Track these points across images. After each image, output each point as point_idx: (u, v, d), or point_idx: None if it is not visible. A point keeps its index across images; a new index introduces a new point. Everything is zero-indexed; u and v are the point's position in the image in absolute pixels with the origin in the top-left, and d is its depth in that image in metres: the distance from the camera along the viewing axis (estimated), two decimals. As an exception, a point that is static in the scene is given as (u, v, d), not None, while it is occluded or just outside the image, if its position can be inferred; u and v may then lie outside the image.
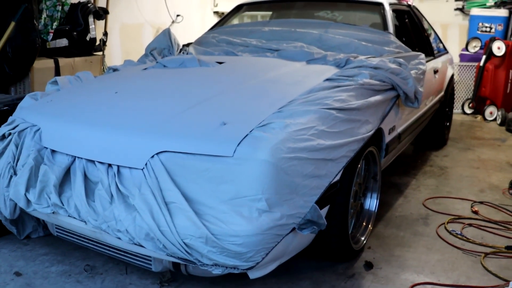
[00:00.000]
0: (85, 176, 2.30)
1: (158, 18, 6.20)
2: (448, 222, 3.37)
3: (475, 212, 3.56)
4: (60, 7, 4.40)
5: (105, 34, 5.19)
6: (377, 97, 2.81)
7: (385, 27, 3.86)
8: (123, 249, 2.30)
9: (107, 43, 5.22)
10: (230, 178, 2.01)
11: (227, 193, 2.00)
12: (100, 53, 5.01)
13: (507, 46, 6.68)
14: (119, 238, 2.12)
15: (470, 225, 3.36)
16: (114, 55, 5.60)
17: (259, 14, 6.14)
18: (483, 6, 7.70)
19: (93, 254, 2.80)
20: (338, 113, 2.40)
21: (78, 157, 2.35)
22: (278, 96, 2.50)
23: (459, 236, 3.17)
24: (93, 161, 2.31)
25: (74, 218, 2.26)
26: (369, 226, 3.03)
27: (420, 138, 5.16)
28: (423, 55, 3.67)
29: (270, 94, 2.60)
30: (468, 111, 7.20)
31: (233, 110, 2.37)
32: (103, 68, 4.99)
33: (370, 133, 2.66)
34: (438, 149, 5.32)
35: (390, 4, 4.13)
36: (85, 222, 2.22)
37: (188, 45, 4.13)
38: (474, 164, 4.80)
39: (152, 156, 2.14)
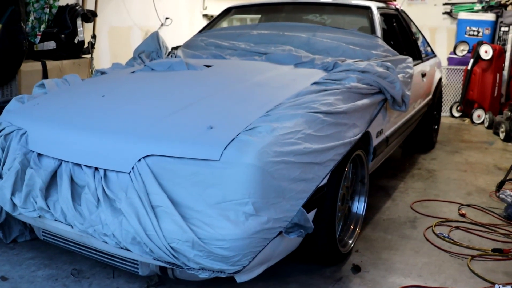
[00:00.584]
0: (72, 180, 2.29)
1: (147, 21, 6.19)
2: (435, 225, 3.39)
3: (462, 215, 3.58)
4: (48, 9, 4.37)
5: (94, 36, 5.17)
6: (365, 101, 2.82)
7: (372, 30, 3.88)
8: (109, 253, 2.29)
9: (95, 46, 5.21)
10: (216, 182, 2.01)
11: (213, 197, 2.00)
12: (89, 56, 5.00)
13: (494, 50, 6.74)
14: (106, 242, 2.12)
15: (457, 228, 3.38)
16: (102, 58, 5.58)
17: (249, 17, 6.15)
18: (470, 10, 7.76)
19: (80, 258, 2.79)
20: (325, 116, 2.41)
21: (65, 161, 2.34)
22: (265, 100, 2.51)
23: (446, 239, 3.19)
24: (79, 165, 2.30)
25: (61, 222, 2.25)
26: (357, 229, 3.04)
27: (409, 141, 5.19)
28: (410, 59, 3.69)
29: (258, 97, 2.60)
30: (456, 114, 7.25)
31: (220, 114, 2.37)
32: (92, 71, 4.97)
33: (357, 137, 2.67)
34: (426, 152, 5.35)
35: (378, 8, 4.15)
36: (71, 226, 2.21)
37: (176, 48, 4.13)
38: (462, 167, 4.83)
39: (139, 160, 2.14)
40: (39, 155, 2.43)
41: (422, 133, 5.16)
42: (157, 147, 2.15)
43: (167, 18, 6.45)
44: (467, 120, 7.04)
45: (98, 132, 2.35)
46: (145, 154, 2.14)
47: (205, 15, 7.23)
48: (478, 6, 7.68)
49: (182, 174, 2.06)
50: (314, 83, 2.80)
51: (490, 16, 7.42)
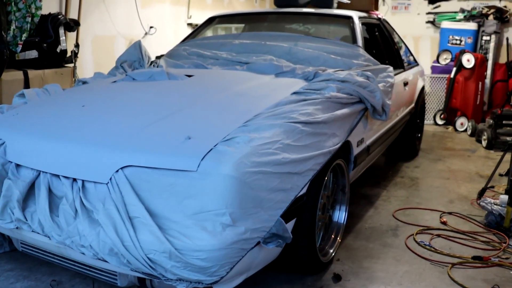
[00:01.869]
0: (50, 191, 2.27)
1: (131, 30, 6.18)
2: (417, 233, 3.41)
3: (444, 223, 3.61)
4: (30, 18, 4.34)
5: (77, 45, 5.14)
6: (344, 110, 2.83)
7: (354, 40, 3.90)
8: (88, 264, 2.28)
9: (79, 55, 5.19)
10: (194, 192, 2.01)
11: (191, 207, 1.99)
12: (72, 65, 4.97)
13: (476, 59, 6.81)
14: (83, 254, 2.10)
15: (438, 236, 3.40)
16: (86, 67, 5.56)
17: (233, 26, 6.16)
18: (453, 19, 7.85)
19: (59, 269, 2.77)
20: (304, 126, 2.42)
21: (43, 172, 2.32)
22: (244, 110, 2.51)
23: (427, 247, 3.20)
24: (58, 176, 2.28)
25: (38, 233, 2.23)
26: (338, 238, 3.05)
27: (392, 150, 5.22)
28: (391, 68, 3.71)
29: (237, 107, 2.61)
30: (440, 122, 7.31)
31: (199, 124, 2.37)
32: (75, 80, 4.94)
33: (337, 146, 2.68)
34: (409, 160, 5.38)
35: (360, 17, 4.18)
36: (49, 237, 2.19)
37: (160, 57, 4.13)
38: (445, 174, 4.86)
39: (117, 171, 2.13)
40: (18, 165, 2.41)
41: (405, 141, 5.20)
42: (135, 158, 2.14)
43: (151, 27, 6.44)
44: (450, 128, 7.11)
45: (77, 142, 2.33)
46: (123, 164, 2.13)
47: (189, 24, 7.22)
48: (460, 16, 7.77)
49: (159, 185, 2.06)
50: (294, 93, 2.81)
51: (472, 26, 7.51)
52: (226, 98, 2.77)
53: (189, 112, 2.55)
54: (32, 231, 2.25)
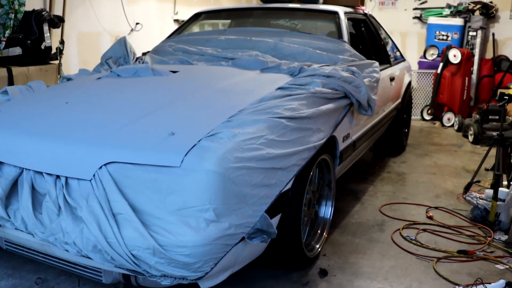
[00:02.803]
0: (33, 188, 2.25)
1: (117, 26, 6.14)
2: (403, 228, 3.42)
3: (430, 218, 3.62)
4: (13, 14, 4.30)
5: (62, 42, 5.11)
6: (329, 106, 2.83)
7: (339, 35, 3.90)
8: (72, 261, 2.25)
9: (64, 52, 5.15)
10: (177, 188, 1.99)
11: (174, 203, 1.98)
12: (57, 61, 4.93)
13: (462, 54, 6.85)
14: (67, 251, 2.09)
15: (424, 230, 3.42)
16: (71, 63, 5.52)
17: (221, 22, 6.15)
18: (439, 15, 7.87)
19: (44, 267, 2.75)
20: (288, 121, 2.41)
21: (26, 169, 2.30)
22: (228, 106, 2.51)
23: (413, 241, 3.22)
24: (41, 173, 2.26)
25: (22, 231, 2.21)
26: (324, 233, 3.05)
27: (379, 145, 5.23)
28: (377, 63, 3.72)
29: (221, 103, 2.60)
30: (427, 117, 7.34)
31: (183, 120, 2.36)
32: (60, 77, 4.91)
33: (322, 141, 2.68)
34: (396, 155, 5.40)
35: (346, 13, 4.18)
36: (32, 235, 2.18)
37: (146, 53, 4.11)
38: (431, 170, 4.88)
39: (100, 167, 2.11)
40: (0, 163, 2.39)
41: (392, 137, 5.21)
42: (118, 154, 2.12)
43: (137, 23, 6.41)
44: (437, 123, 7.14)
45: (60, 139, 2.32)
46: (106, 161, 2.12)
47: (176, 20, 7.20)
48: (447, 11, 7.79)
49: (143, 181, 2.05)
50: (279, 88, 2.80)
51: (458, 21, 7.54)
52: (210, 94, 2.75)
53: (173, 108, 2.53)
54: (16, 228, 2.23)
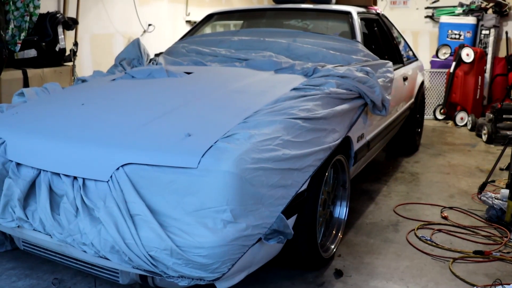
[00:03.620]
0: (50, 189, 2.27)
1: (129, 28, 6.17)
2: (418, 228, 3.41)
3: (445, 218, 3.61)
4: (28, 17, 4.34)
5: (76, 44, 5.14)
6: (344, 106, 2.83)
7: (353, 35, 3.90)
8: (89, 262, 2.28)
9: (77, 54, 5.18)
10: (194, 189, 2.00)
11: (191, 204, 1.99)
12: (70, 63, 4.97)
13: (475, 53, 6.80)
14: (85, 252, 2.10)
15: (439, 230, 3.40)
16: (84, 65, 5.55)
17: (232, 23, 6.16)
18: (452, 14, 7.83)
19: (61, 268, 2.77)
20: (303, 122, 2.41)
21: (43, 170, 2.32)
22: (244, 107, 2.51)
23: (428, 242, 3.20)
24: (58, 174, 2.28)
25: (39, 232, 2.23)
26: (339, 234, 3.05)
27: (392, 145, 5.22)
28: (390, 63, 3.71)
29: (236, 104, 2.60)
30: (440, 117, 7.30)
31: (199, 121, 2.37)
32: (74, 78, 4.94)
33: (337, 142, 2.68)
34: (409, 155, 5.38)
35: (358, 12, 4.18)
36: (50, 235, 2.19)
37: (159, 55, 4.12)
38: (445, 169, 4.86)
39: (117, 169, 2.13)
40: (18, 164, 2.41)
41: (405, 136, 5.19)
42: (135, 156, 2.14)
43: (150, 25, 6.43)
44: (450, 123, 7.10)
45: (77, 141, 2.33)
46: (124, 162, 2.13)
47: (188, 21, 7.21)
48: (459, 10, 7.75)
49: (160, 182, 2.06)
50: (294, 89, 2.81)
51: (471, 20, 7.49)
52: (225, 95, 2.76)
53: (189, 109, 2.54)
54: (34, 229, 2.25)
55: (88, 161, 2.22)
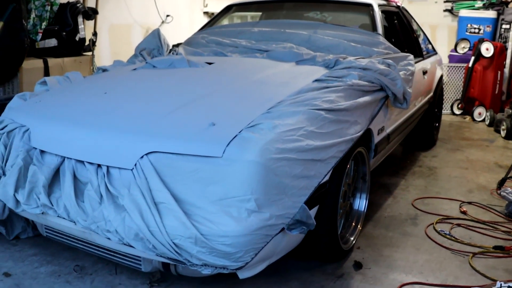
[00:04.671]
0: (75, 177, 2.29)
1: (148, 18, 6.19)
2: (436, 222, 3.39)
3: (464, 213, 3.59)
4: (49, 7, 4.38)
5: (95, 34, 5.17)
6: (366, 98, 2.82)
7: (374, 28, 3.88)
8: (112, 249, 2.30)
9: (96, 44, 5.21)
10: (219, 178, 2.01)
11: (216, 193, 2.00)
12: (90, 53, 5.00)
13: (495, 47, 6.73)
14: (109, 239, 2.12)
15: (458, 225, 3.38)
16: (103, 55, 5.59)
17: (249, 14, 6.15)
18: (471, 7, 7.75)
19: (82, 255, 2.80)
20: (326, 113, 2.41)
21: (67, 158, 2.35)
22: (267, 97, 2.51)
23: (447, 236, 3.19)
24: (82, 162, 2.30)
25: (64, 218, 2.25)
26: (358, 226, 3.05)
27: (409, 139, 5.19)
28: (411, 56, 3.69)
29: (259, 94, 2.60)
30: (457, 111, 7.24)
31: (222, 111, 2.38)
32: (93, 68, 4.97)
33: (359, 134, 2.67)
34: (427, 149, 5.35)
35: (379, 5, 4.16)
36: (74, 222, 2.21)
37: (177, 45, 4.13)
38: (463, 164, 4.83)
39: (142, 157, 2.14)
40: (42, 152, 2.44)
41: (423, 131, 5.17)
42: (159, 144, 2.15)
43: (167, 16, 6.45)
44: (468, 118, 7.05)
45: (101, 129, 2.35)
46: (148, 151, 2.15)
47: (205, 13, 7.23)
48: (479, 4, 7.67)
49: (184, 171, 2.07)
50: (316, 80, 2.80)
51: (491, 14, 7.41)
52: (248, 85, 2.76)
53: (212, 99, 2.55)
54: (58, 216, 2.27)
55: (112, 149, 2.24)
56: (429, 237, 3.18)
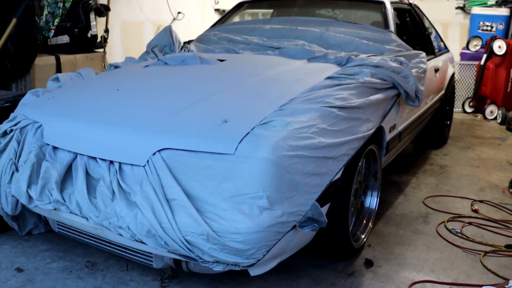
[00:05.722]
0: (87, 173, 2.30)
1: (159, 15, 6.20)
2: (448, 221, 3.38)
3: (475, 211, 3.57)
4: (62, 3, 4.40)
5: (106, 31, 5.19)
6: (378, 96, 2.81)
7: (386, 25, 3.86)
8: (124, 245, 2.31)
9: (108, 40, 5.23)
10: (231, 175, 2.01)
11: (228, 190, 2.00)
12: (101, 50, 5.02)
13: (508, 45, 6.68)
14: (121, 235, 2.13)
15: (470, 223, 3.37)
16: (114, 52, 5.60)
17: (260, 11, 6.15)
18: (484, 5, 7.69)
19: (94, 251, 2.81)
20: (339, 111, 2.41)
21: (80, 154, 2.36)
22: (279, 94, 2.51)
23: (459, 234, 3.18)
24: (94, 158, 2.31)
25: (76, 214, 2.26)
26: (370, 224, 3.04)
27: (421, 137, 5.17)
28: (424, 54, 3.68)
29: (271, 92, 2.60)
30: (469, 110, 7.20)
31: (235, 108, 2.38)
32: (105, 65, 4.99)
33: (371, 132, 2.66)
34: (438, 147, 5.32)
35: (391, 2, 4.14)
36: (86, 218, 2.22)
37: (189, 42, 4.13)
38: (474, 163, 4.80)
39: (154, 153, 2.15)
40: (55, 148, 2.46)
41: (434, 129, 5.14)
42: (172, 141, 2.15)
43: (179, 13, 6.45)
44: (479, 116, 7.00)
45: (113, 125, 2.36)
46: (160, 147, 2.15)
47: (217, 10, 7.23)
48: (492, 1, 7.61)
49: (197, 168, 2.07)
50: (328, 77, 2.79)
51: (504, 11, 7.35)
52: (260, 82, 2.76)
53: (224, 95, 2.55)
54: (70, 212, 2.28)
55: (124, 145, 2.25)
56: (441, 235, 3.17)
